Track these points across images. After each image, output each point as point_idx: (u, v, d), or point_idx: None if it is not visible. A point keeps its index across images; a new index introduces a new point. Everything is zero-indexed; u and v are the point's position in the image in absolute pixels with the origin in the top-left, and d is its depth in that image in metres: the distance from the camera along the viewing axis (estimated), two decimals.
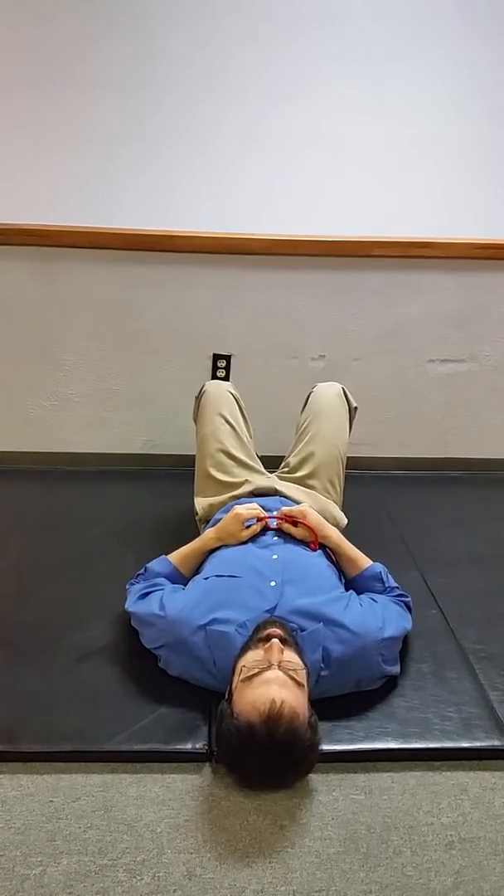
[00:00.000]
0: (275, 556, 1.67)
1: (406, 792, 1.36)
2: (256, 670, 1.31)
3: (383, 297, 2.57)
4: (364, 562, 1.77)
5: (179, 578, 1.74)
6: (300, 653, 1.39)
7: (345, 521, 1.99)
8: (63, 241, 2.42)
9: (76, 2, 2.25)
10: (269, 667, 1.31)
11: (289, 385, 2.58)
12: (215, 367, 2.61)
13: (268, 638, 1.37)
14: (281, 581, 1.58)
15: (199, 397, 2.19)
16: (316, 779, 1.36)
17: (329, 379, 2.26)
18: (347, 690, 1.52)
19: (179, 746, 1.41)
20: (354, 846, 1.25)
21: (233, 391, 2.18)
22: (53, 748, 1.41)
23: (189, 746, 1.41)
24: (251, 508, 1.76)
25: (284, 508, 1.78)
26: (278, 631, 1.40)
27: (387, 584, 1.73)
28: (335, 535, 1.78)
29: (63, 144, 2.37)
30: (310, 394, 2.23)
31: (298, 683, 1.31)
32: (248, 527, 1.73)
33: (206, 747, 1.41)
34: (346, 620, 1.52)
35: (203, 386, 2.21)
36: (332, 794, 1.34)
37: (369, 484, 2.58)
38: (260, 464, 2.10)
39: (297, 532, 1.74)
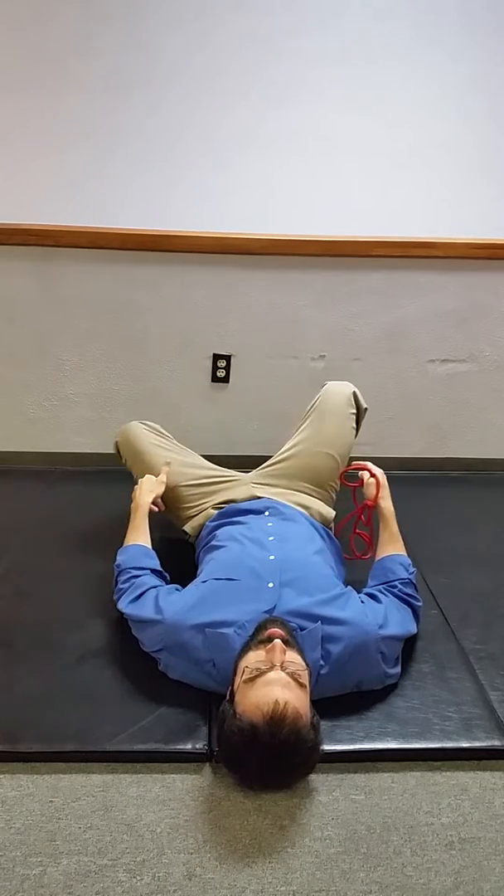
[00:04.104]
0: (272, 557, 1.67)
1: (406, 792, 1.36)
2: (259, 671, 1.30)
3: (383, 296, 2.57)
4: (401, 546, 1.83)
5: (152, 553, 1.82)
6: (302, 653, 1.38)
7: (332, 514, 2.00)
8: (63, 241, 2.41)
9: (76, 2, 2.25)
10: (272, 667, 1.31)
11: (289, 385, 2.58)
12: (215, 367, 2.61)
13: (269, 639, 1.36)
14: (279, 582, 1.58)
15: (118, 450, 2.20)
16: (316, 779, 1.36)
17: (329, 379, 2.25)
18: (347, 691, 1.52)
19: (179, 746, 1.41)
20: (354, 846, 1.25)
21: (141, 423, 2.18)
22: (53, 748, 1.41)
23: (189, 746, 1.41)
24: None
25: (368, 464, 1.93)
26: (280, 631, 1.39)
27: (409, 572, 1.74)
28: (390, 507, 1.87)
29: (63, 144, 2.37)
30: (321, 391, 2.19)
31: (301, 684, 1.31)
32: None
33: (206, 747, 1.41)
34: (345, 616, 1.52)
35: (115, 438, 2.21)
36: (332, 794, 1.34)
37: None
38: (219, 469, 2.11)
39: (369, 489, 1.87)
